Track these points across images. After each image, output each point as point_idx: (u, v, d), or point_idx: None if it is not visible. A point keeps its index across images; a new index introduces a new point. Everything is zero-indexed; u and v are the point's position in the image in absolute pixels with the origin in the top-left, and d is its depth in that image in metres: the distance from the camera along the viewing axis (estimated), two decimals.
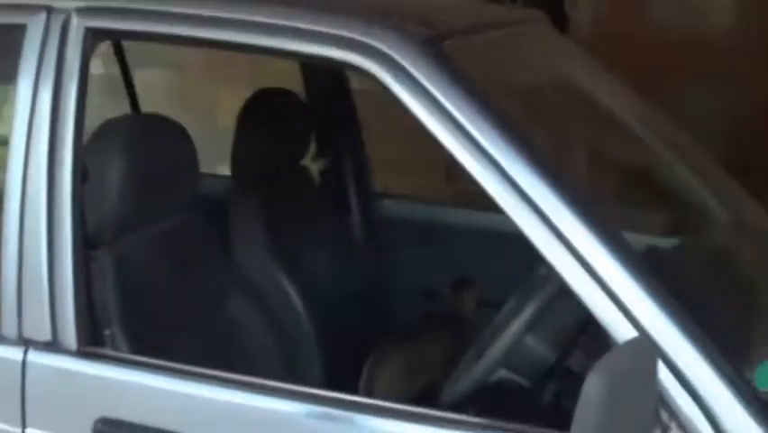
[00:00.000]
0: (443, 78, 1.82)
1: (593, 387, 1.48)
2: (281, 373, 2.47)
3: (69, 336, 1.98)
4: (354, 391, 2.43)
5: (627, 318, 1.67)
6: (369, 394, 2.41)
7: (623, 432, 1.53)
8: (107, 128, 2.23)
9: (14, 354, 2.00)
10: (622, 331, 1.68)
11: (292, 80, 2.91)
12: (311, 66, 2.98)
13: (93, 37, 2.04)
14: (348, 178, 3.11)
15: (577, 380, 2.00)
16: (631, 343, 1.58)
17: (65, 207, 1.98)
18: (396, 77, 1.83)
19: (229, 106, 3.63)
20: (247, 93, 2.82)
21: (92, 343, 2.00)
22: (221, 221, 2.66)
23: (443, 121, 1.81)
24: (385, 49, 1.84)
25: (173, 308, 2.29)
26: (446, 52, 1.88)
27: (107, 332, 2.01)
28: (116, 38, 2.15)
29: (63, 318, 1.98)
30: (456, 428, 1.76)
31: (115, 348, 2.03)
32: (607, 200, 1.98)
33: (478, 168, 1.79)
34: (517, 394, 2.08)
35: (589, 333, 2.06)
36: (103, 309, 2.08)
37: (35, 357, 1.99)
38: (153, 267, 2.28)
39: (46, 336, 1.99)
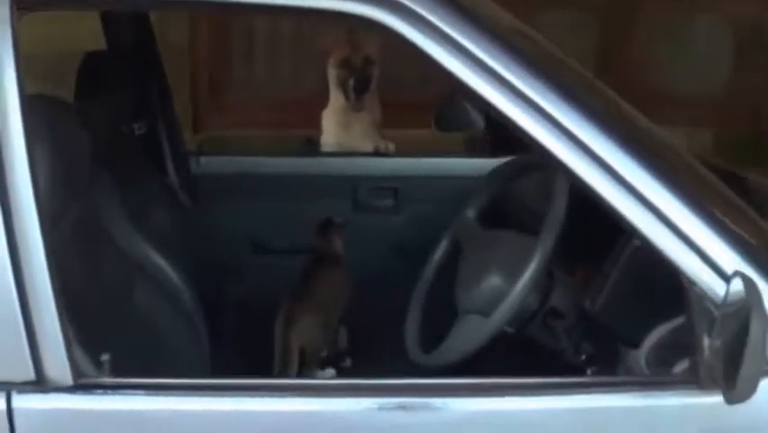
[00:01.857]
0: (465, 22, 1.61)
1: (759, 331, 1.42)
2: (193, 353, 2.18)
3: (60, 369, 1.55)
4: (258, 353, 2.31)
5: (702, 259, 1.58)
6: (288, 357, 2.29)
7: None
8: None
9: None
10: (697, 271, 1.58)
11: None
12: (114, 24, 2.63)
13: (18, 10, 1.57)
14: (163, 139, 2.75)
15: (563, 317, 1.92)
16: (746, 285, 1.50)
17: (27, 209, 1.54)
18: (415, 26, 1.59)
19: None
20: None
21: (85, 374, 1.56)
22: None
23: (472, 67, 1.61)
24: None
25: (109, 308, 1.90)
26: None
27: (104, 357, 1.58)
28: (47, 8, 1.66)
29: (49, 349, 1.55)
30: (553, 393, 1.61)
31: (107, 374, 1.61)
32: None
33: (518, 112, 1.62)
34: (508, 343, 1.93)
35: (561, 270, 1.98)
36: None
37: (23, 402, 1.53)
38: (85, 267, 1.89)
39: (27, 374, 1.53)
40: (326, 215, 2.69)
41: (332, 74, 3.17)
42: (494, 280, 1.95)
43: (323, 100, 3.32)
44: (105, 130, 2.41)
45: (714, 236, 1.58)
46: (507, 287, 1.90)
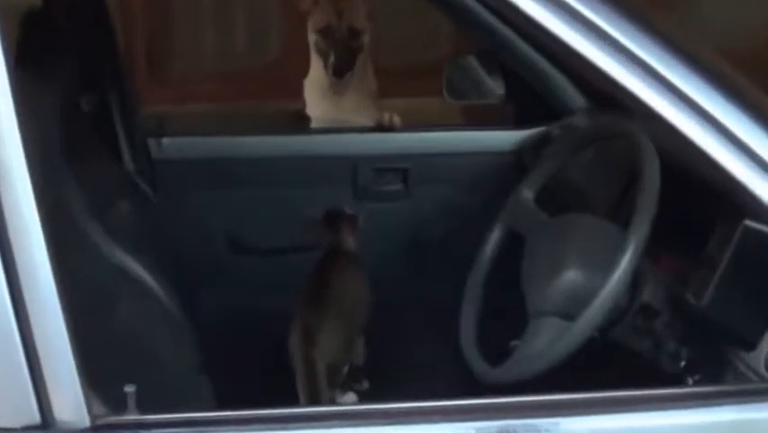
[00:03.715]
0: None
1: None
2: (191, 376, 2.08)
3: (73, 408, 1.44)
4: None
5: None
6: (317, 379, 2.23)
7: None
8: None
9: None
10: None
11: None
12: None
13: None
14: (115, 116, 2.65)
15: (657, 315, 1.87)
16: None
17: (24, 210, 1.43)
18: None
19: None
20: None
21: (105, 412, 1.46)
22: None
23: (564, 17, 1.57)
24: None
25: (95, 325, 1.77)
26: None
27: (129, 389, 1.47)
28: None
29: (59, 384, 1.44)
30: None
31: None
32: None
33: (608, 60, 1.58)
34: (597, 350, 1.87)
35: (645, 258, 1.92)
36: None
37: None
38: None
39: (31, 417, 1.42)
40: (319, 205, 2.62)
41: (311, 40, 3.07)
42: (574, 276, 1.89)
43: (284, 69, 3.22)
44: (50, 105, 2.30)
45: None
46: (592, 282, 1.83)
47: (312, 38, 3.06)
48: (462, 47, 2.95)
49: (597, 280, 1.82)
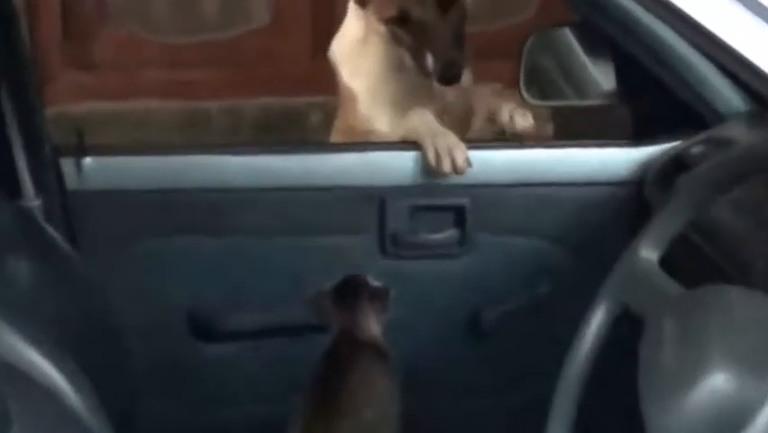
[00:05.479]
0: None
1: None
2: None
3: None
4: None
5: None
6: None
7: None
8: None
9: None
10: None
11: None
12: None
13: None
14: (10, 122, 2.71)
15: None
16: None
17: None
18: None
19: None
20: None
21: None
22: None
23: None
24: None
25: None
26: None
27: None
28: None
29: None
30: None
31: None
32: None
33: None
34: None
35: None
36: None
37: None
38: None
39: None
40: (328, 266, 2.69)
41: (375, 29, 3.15)
42: (720, 381, 1.90)
43: (276, 44, 3.26)
44: None
45: None
46: (749, 392, 1.87)
47: (380, 29, 3.14)
48: (552, 13, 2.96)
49: (755, 388, 1.86)
